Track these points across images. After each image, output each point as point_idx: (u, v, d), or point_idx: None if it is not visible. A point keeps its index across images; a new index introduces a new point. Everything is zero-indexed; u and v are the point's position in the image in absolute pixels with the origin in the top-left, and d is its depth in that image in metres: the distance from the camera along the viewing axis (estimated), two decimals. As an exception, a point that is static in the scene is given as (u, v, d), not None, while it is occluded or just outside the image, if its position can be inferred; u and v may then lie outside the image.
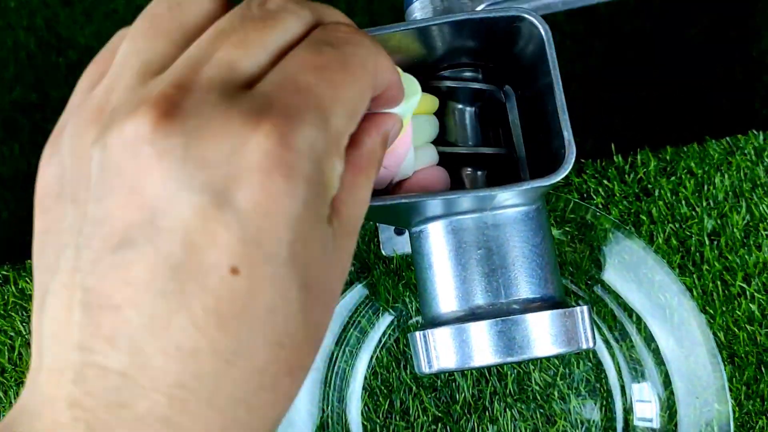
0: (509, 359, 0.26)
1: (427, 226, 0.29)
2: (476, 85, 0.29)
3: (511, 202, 0.28)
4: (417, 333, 0.28)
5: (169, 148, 0.15)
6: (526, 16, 0.26)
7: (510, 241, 0.28)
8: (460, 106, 0.31)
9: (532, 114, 0.30)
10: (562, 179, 0.25)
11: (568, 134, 0.26)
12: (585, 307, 0.28)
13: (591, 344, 0.28)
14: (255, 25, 0.17)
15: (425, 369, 0.28)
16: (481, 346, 0.27)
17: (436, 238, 0.28)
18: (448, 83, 0.29)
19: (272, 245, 0.16)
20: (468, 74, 0.31)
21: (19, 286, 0.38)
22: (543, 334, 0.27)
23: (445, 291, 0.28)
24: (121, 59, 0.18)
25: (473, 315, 0.27)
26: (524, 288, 0.28)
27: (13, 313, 0.38)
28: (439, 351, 0.27)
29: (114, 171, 0.16)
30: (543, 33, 0.26)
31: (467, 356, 0.27)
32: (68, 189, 0.17)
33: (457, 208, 0.28)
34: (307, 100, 0.17)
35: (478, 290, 0.28)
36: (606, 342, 0.39)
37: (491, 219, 0.28)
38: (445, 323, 0.28)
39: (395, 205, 0.26)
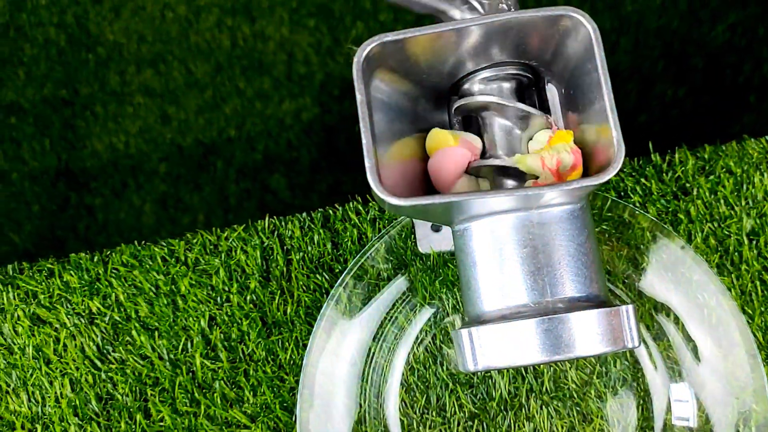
0: (555, 357, 0.27)
1: (471, 224, 0.29)
2: (523, 108, 0.29)
3: (556, 201, 0.28)
4: (462, 330, 0.28)
5: None
6: (574, 14, 0.26)
7: (555, 240, 0.28)
8: (501, 118, 0.31)
9: (573, 114, 0.30)
10: (611, 179, 0.25)
11: (617, 133, 0.26)
12: (630, 306, 0.28)
13: (636, 343, 0.28)
14: None
15: (471, 366, 0.28)
16: (528, 344, 0.27)
17: (481, 236, 0.29)
18: (487, 99, 0.29)
19: None
20: (510, 71, 0.31)
21: (64, 279, 0.39)
22: (589, 333, 0.27)
23: (490, 289, 0.28)
24: None
25: (519, 313, 0.27)
26: (570, 287, 0.28)
27: (58, 306, 0.39)
28: (486, 349, 0.27)
29: None
30: (591, 31, 0.26)
31: (513, 354, 0.27)
32: None
33: (502, 207, 0.28)
34: None
35: (523, 288, 0.28)
36: (644, 341, 0.38)
37: (537, 218, 0.28)
38: (490, 321, 0.28)
39: (442, 204, 0.26)
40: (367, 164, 0.26)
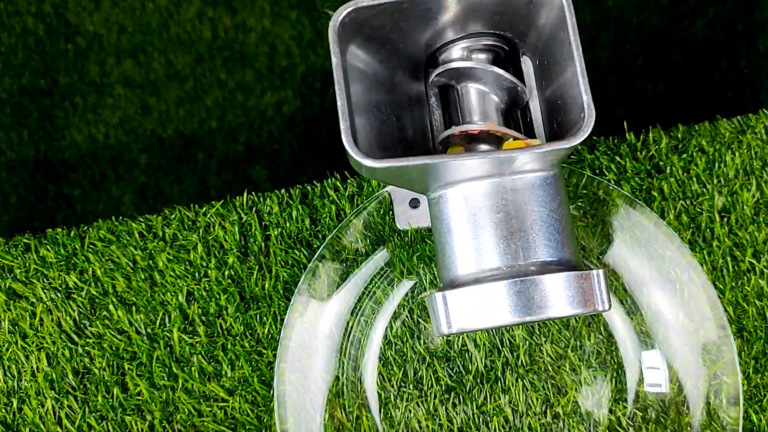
0: (528, 318, 0.27)
1: (446, 191, 0.29)
2: (500, 72, 0.30)
3: (529, 167, 0.28)
4: (437, 294, 0.28)
5: None
6: (547, -17, 0.27)
7: (528, 205, 0.28)
8: (477, 84, 0.31)
9: (547, 85, 0.31)
10: (590, 142, 0.26)
11: (587, 98, 0.26)
12: (601, 271, 0.29)
13: (606, 306, 0.28)
14: None
15: (444, 329, 0.28)
16: (501, 306, 0.27)
17: (456, 203, 0.29)
18: (469, 65, 0.30)
19: None
20: (486, 42, 0.31)
21: (40, 254, 0.39)
22: (561, 295, 0.27)
23: (464, 253, 0.29)
24: None
25: (492, 276, 0.28)
26: (542, 251, 0.28)
27: (34, 280, 0.39)
28: (459, 311, 0.28)
29: None
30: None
31: (487, 316, 0.27)
32: None
33: (476, 173, 0.28)
34: None
35: (496, 252, 0.28)
36: (618, 315, 0.39)
37: (510, 184, 0.28)
38: (464, 284, 0.28)
39: (416, 167, 0.26)
40: (342, 126, 0.26)
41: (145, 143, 0.93)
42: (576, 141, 0.26)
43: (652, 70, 0.82)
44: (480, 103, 0.31)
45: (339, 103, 0.26)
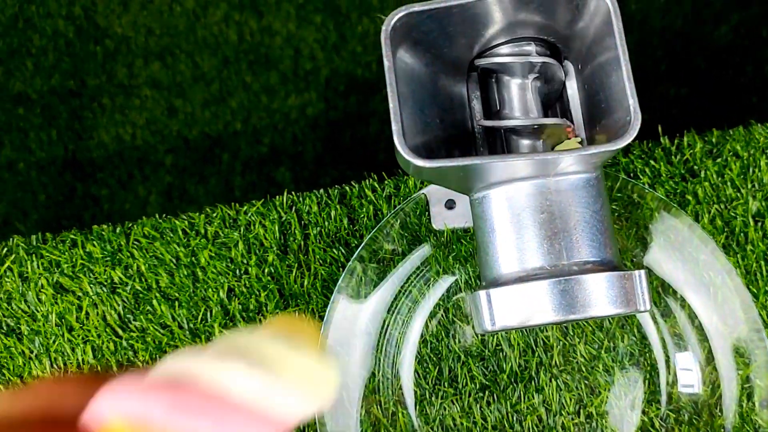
0: (571, 317, 0.28)
1: (490, 191, 0.30)
2: (538, 59, 0.31)
3: (572, 169, 0.29)
4: (480, 291, 0.29)
5: None
6: (593, -11, 0.27)
7: (572, 206, 0.29)
8: (519, 80, 0.32)
9: (590, 88, 0.31)
10: (627, 146, 0.26)
11: (633, 101, 0.27)
12: (643, 271, 0.29)
13: (648, 306, 0.29)
14: None
15: (488, 326, 0.29)
16: (545, 304, 0.28)
17: (499, 203, 0.30)
18: (509, 59, 0.30)
19: None
20: (527, 48, 0.32)
21: (87, 249, 0.40)
22: (603, 295, 0.28)
23: (508, 253, 0.29)
24: None
25: (536, 275, 0.29)
26: (585, 251, 0.29)
27: (81, 275, 0.40)
28: (502, 309, 0.28)
29: None
30: (610, 5, 0.27)
31: (530, 314, 0.28)
32: None
33: (520, 173, 0.29)
34: None
35: (540, 252, 0.29)
36: (652, 317, 0.40)
37: (554, 185, 0.29)
38: (507, 283, 0.29)
39: (464, 167, 0.27)
40: (394, 127, 0.27)
41: (171, 144, 0.94)
42: (622, 143, 0.26)
43: (675, 75, 0.83)
44: (520, 95, 0.31)
45: (391, 105, 0.27)
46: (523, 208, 0.29)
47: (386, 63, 0.27)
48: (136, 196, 0.93)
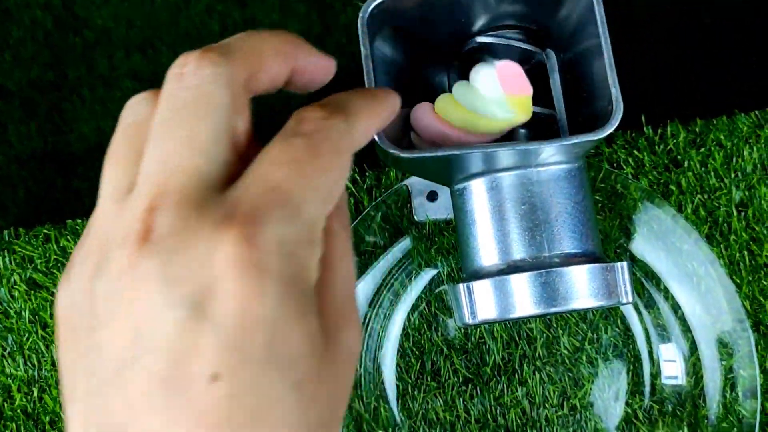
0: (552, 310, 0.27)
1: (471, 183, 0.29)
2: (521, 45, 0.30)
3: (554, 159, 0.28)
4: (460, 285, 0.29)
5: (149, 272, 0.16)
6: (574, -25, 0.27)
7: (553, 198, 0.28)
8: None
9: (572, 77, 0.31)
10: (610, 135, 0.26)
11: (615, 91, 0.26)
12: (625, 263, 0.29)
13: (630, 299, 0.29)
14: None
15: (468, 320, 0.28)
16: (525, 297, 0.27)
17: (480, 194, 0.29)
18: (491, 40, 0.30)
19: (250, 348, 0.16)
20: (510, 36, 0.31)
21: (61, 244, 0.39)
22: (585, 287, 0.28)
23: (488, 245, 0.29)
24: (101, 189, 0.19)
25: (517, 268, 0.28)
26: (567, 243, 0.28)
27: (54, 270, 0.39)
28: (483, 302, 0.28)
29: (111, 300, 0.17)
30: (591, -8, 0.27)
31: (511, 307, 0.27)
32: (79, 320, 0.18)
33: (501, 164, 0.28)
34: (275, 196, 0.17)
35: (521, 244, 0.28)
36: (635, 308, 0.39)
37: (535, 176, 0.29)
38: (488, 276, 0.28)
39: (442, 157, 0.26)
40: (371, 117, 0.26)
41: (153, 137, 0.93)
42: (604, 133, 0.26)
43: (665, 65, 0.82)
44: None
45: (367, 94, 0.26)
46: (504, 200, 0.29)
47: (363, 51, 0.26)
48: (118, 190, 0.92)
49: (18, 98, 0.97)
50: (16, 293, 0.39)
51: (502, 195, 0.29)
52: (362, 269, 0.39)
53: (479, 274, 0.29)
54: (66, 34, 0.98)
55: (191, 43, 0.95)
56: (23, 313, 0.39)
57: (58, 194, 0.95)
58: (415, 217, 0.40)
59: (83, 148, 0.94)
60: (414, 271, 0.40)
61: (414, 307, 0.39)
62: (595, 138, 0.26)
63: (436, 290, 0.40)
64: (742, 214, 0.41)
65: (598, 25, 0.26)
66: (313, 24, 0.97)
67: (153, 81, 0.96)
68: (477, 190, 0.29)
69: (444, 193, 0.40)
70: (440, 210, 0.40)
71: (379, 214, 0.39)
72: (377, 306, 0.39)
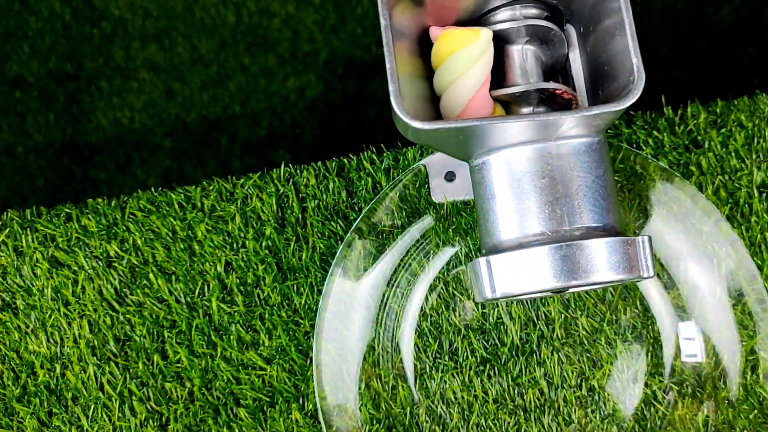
0: (573, 283, 0.27)
1: (490, 157, 0.29)
2: (539, 23, 0.30)
3: (574, 132, 0.28)
4: (480, 259, 0.29)
5: None
6: (596, -53, 0.27)
7: (574, 171, 0.28)
8: (519, 46, 0.31)
9: (593, 52, 0.31)
10: (629, 115, 0.26)
11: (637, 61, 0.26)
12: (646, 237, 0.28)
13: (651, 273, 0.28)
14: None
15: (488, 294, 0.28)
16: (546, 270, 0.27)
17: (499, 168, 0.29)
18: (509, 24, 0.30)
19: None
20: (529, 11, 0.31)
21: (82, 223, 0.40)
22: (606, 260, 0.27)
23: (508, 219, 0.29)
24: None
25: (537, 241, 0.28)
26: (587, 216, 0.28)
27: (76, 249, 0.39)
28: (504, 276, 0.28)
29: None
30: (613, -37, 0.27)
31: (531, 280, 0.27)
32: None
33: (521, 137, 0.28)
34: None
35: (541, 218, 0.28)
36: (655, 288, 0.39)
37: (555, 149, 0.28)
38: (508, 250, 0.28)
39: (465, 129, 0.26)
40: (391, 88, 0.26)
41: (169, 127, 0.94)
42: (626, 104, 0.26)
43: (676, 57, 0.82)
44: (521, 62, 0.31)
45: (387, 65, 0.26)
46: (523, 174, 0.28)
47: (382, 21, 0.26)
48: (134, 180, 0.93)
49: (36, 89, 0.97)
50: (39, 271, 0.39)
51: (521, 169, 0.29)
52: (380, 249, 0.39)
53: (499, 249, 0.29)
54: (83, 26, 0.99)
55: (207, 33, 0.96)
56: (45, 291, 0.39)
57: (75, 183, 0.95)
58: (433, 198, 0.40)
59: (100, 138, 0.95)
60: (432, 252, 0.39)
61: (432, 288, 0.39)
62: (617, 109, 0.26)
63: (454, 271, 0.40)
64: (764, 195, 0.40)
65: (620, -5, 0.26)
66: (328, 15, 0.97)
67: (169, 71, 0.96)
68: (496, 164, 0.29)
69: (461, 173, 0.39)
70: (458, 191, 0.40)
71: (397, 194, 0.39)
72: (395, 286, 0.39)
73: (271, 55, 0.95)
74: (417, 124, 0.26)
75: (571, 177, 0.28)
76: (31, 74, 0.98)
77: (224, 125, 0.94)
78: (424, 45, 0.30)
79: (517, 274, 0.28)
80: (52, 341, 0.39)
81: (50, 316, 0.39)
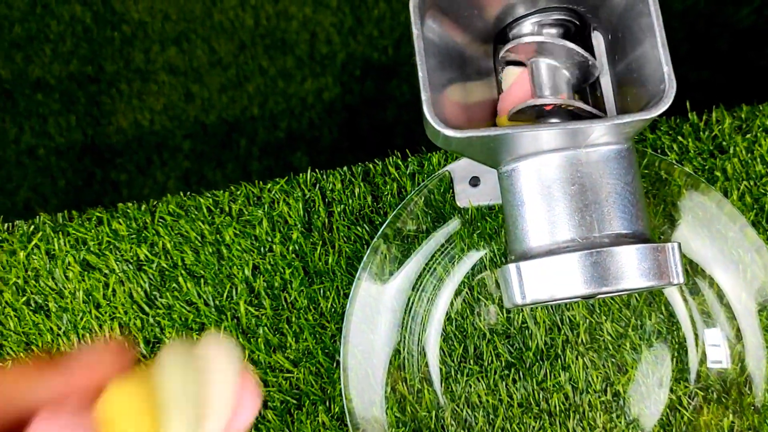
0: (603, 289, 0.27)
1: (519, 164, 0.30)
2: (567, 44, 0.30)
3: (604, 140, 0.28)
4: (510, 265, 0.29)
5: None
6: (626, -44, 0.27)
7: (603, 178, 0.29)
8: (548, 61, 0.31)
9: (621, 59, 0.31)
10: (654, 121, 0.26)
11: (668, 69, 0.26)
12: (676, 244, 0.29)
13: (681, 279, 0.28)
14: None
15: (518, 300, 0.29)
16: (576, 276, 0.27)
17: (529, 175, 0.29)
18: (539, 39, 0.30)
19: None
20: (556, 17, 0.31)
21: (113, 227, 0.40)
22: (636, 267, 0.28)
23: (538, 226, 0.29)
24: None
25: (567, 248, 0.28)
26: (617, 223, 0.28)
27: (107, 252, 0.40)
28: (533, 282, 0.28)
29: None
30: (644, -28, 0.27)
31: (561, 286, 0.28)
32: None
33: (550, 145, 0.29)
34: None
35: (571, 225, 0.28)
36: (680, 294, 0.39)
37: (584, 157, 0.29)
38: (537, 256, 0.28)
39: (493, 138, 0.27)
40: (423, 96, 0.26)
41: (188, 129, 0.94)
42: (656, 112, 0.26)
43: (696, 58, 0.81)
44: (550, 77, 0.31)
45: (420, 74, 0.26)
46: (553, 181, 0.29)
47: (415, 31, 0.27)
48: (154, 181, 0.94)
49: (58, 92, 0.99)
50: (70, 274, 0.40)
51: (551, 176, 0.29)
52: (405, 254, 0.39)
53: (528, 255, 0.29)
54: (104, 29, 1.00)
55: (226, 35, 0.96)
56: (77, 294, 0.40)
57: (96, 185, 0.96)
58: (458, 203, 0.40)
59: (121, 140, 0.96)
60: (457, 256, 0.40)
61: (457, 292, 0.40)
62: (648, 117, 0.26)
63: (479, 276, 0.40)
64: (790, 200, 0.40)
65: (649, 2, 0.26)
66: (346, 18, 0.98)
67: (188, 74, 0.97)
68: (526, 171, 0.29)
69: (486, 179, 0.40)
70: (482, 196, 0.40)
71: (422, 199, 0.40)
72: (420, 290, 0.39)
73: (289, 57, 0.96)
74: (449, 132, 0.26)
75: (601, 184, 0.28)
76: (53, 77, 0.99)
77: (243, 127, 0.95)
78: (452, 53, 0.31)
79: (547, 281, 0.28)
80: (84, 343, 0.39)
81: (82, 319, 0.40)
